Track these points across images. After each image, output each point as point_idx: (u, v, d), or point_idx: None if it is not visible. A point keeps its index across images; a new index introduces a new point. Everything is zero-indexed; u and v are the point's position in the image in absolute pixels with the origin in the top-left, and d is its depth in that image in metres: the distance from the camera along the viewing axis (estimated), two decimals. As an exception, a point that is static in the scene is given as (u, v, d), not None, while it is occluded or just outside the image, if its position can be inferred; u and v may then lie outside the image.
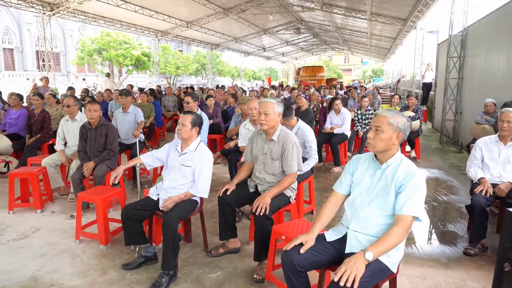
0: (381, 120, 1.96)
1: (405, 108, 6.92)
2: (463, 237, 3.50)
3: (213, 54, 29.17)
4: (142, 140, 5.46)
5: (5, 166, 5.70)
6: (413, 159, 6.79)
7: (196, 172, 2.85)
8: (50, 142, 6.14)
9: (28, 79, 18.67)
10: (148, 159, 3.04)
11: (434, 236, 3.58)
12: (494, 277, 2.29)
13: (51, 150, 6.58)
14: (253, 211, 2.70)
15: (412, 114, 6.62)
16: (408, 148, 6.96)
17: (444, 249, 3.26)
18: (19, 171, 4.10)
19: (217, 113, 6.89)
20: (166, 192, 2.87)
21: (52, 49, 12.68)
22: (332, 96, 8.04)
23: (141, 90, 10.55)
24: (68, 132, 4.61)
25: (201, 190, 2.84)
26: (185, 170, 2.86)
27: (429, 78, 12.90)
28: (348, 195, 2.19)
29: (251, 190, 3.05)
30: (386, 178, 1.99)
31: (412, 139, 6.62)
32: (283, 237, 2.47)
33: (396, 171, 1.97)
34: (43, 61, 12.33)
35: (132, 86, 10.52)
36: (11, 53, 36.08)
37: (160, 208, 2.81)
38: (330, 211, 2.17)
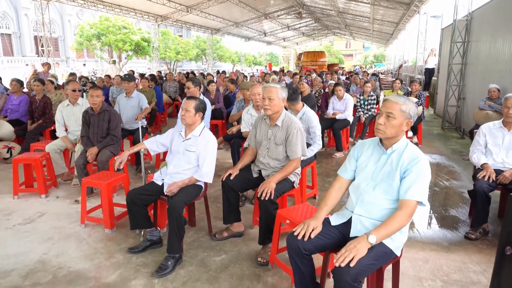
0: (393, 106, 1.95)
1: (408, 94, 6.88)
2: (465, 222, 3.54)
3: (213, 39, 28.84)
4: (144, 126, 5.44)
5: (7, 152, 5.71)
6: (415, 145, 6.78)
7: (200, 157, 2.86)
8: (52, 127, 6.14)
9: (27, 64, 18.50)
10: (152, 145, 3.05)
11: (435, 220, 3.61)
12: (496, 260, 2.31)
13: (53, 136, 6.59)
14: (258, 195, 2.72)
15: (415, 100, 6.59)
16: (410, 133, 6.95)
17: (446, 233, 3.29)
18: (22, 156, 4.11)
19: (219, 99, 6.86)
20: (170, 177, 2.88)
21: (51, 34, 12.53)
22: (334, 82, 7.99)
23: (142, 75, 10.51)
24: (69, 117, 4.61)
25: (206, 175, 2.85)
26: (189, 155, 2.87)
27: (431, 63, 12.80)
28: (353, 180, 2.20)
29: (255, 175, 3.07)
30: (391, 163, 2.00)
31: (414, 125, 6.61)
32: (288, 221, 2.49)
33: (401, 156, 1.98)
34: (42, 46, 12.21)
35: (133, 72, 10.43)
36: (9, 39, 35.71)
37: (165, 193, 2.82)
38: (334, 196, 2.19)
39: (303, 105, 4.17)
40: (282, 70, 26.87)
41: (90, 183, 3.31)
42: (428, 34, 14.92)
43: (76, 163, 3.92)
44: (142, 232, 3.01)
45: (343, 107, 6.33)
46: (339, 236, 2.06)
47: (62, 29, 39.83)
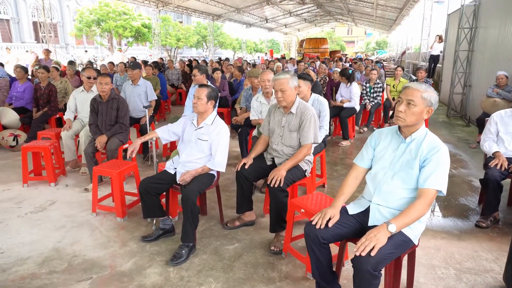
0: (414, 93, 1.93)
1: (414, 81, 6.82)
2: (474, 210, 3.54)
3: (214, 26, 28.49)
4: (151, 114, 5.42)
5: (13, 140, 5.70)
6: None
7: (213, 146, 2.85)
8: (58, 115, 6.13)
9: (27, 51, 18.35)
10: (164, 133, 3.03)
11: (445, 209, 3.62)
12: (510, 248, 2.34)
13: (59, 124, 6.58)
14: (268, 183, 2.72)
15: (422, 87, 6.54)
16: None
17: (456, 222, 3.30)
18: (31, 144, 4.10)
19: (224, 86, 6.81)
20: (183, 166, 2.88)
21: (51, 20, 12.37)
22: (339, 69, 7.91)
23: (145, 63, 10.40)
24: (83, 103, 4.60)
25: (219, 164, 2.85)
26: (202, 144, 2.86)
27: (437, 50, 12.65)
28: (369, 168, 2.19)
29: (268, 163, 3.06)
30: (410, 152, 1.99)
31: (420, 112, 6.57)
32: (302, 210, 2.50)
33: (420, 145, 1.96)
34: (43, 32, 12.07)
35: (135, 58, 10.33)
36: (7, 24, 35.28)
37: (178, 182, 2.82)
38: (351, 184, 2.18)
39: (311, 93, 4.13)
40: (283, 57, 26.67)
41: (102, 171, 3.31)
42: (432, 20, 14.75)
43: (85, 152, 3.91)
44: (155, 221, 3.03)
45: (348, 94, 6.29)
46: (357, 225, 2.06)
47: (61, 15, 39.30)
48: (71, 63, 8.21)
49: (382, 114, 7.31)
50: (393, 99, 7.08)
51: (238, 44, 40.65)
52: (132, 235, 2.99)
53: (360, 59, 13.81)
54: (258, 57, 38.96)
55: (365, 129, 6.96)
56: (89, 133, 4.20)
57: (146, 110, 4.75)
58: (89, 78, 4.58)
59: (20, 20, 35.93)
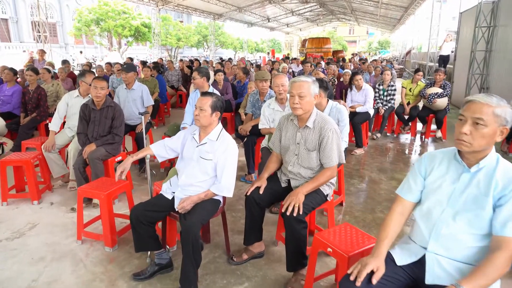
0: (483, 110, 1.45)
1: (431, 84, 6.34)
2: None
3: (215, 25, 28.01)
4: (148, 120, 4.96)
5: (-1, 148, 5.25)
6: (439, 140, 6.31)
7: (218, 167, 2.38)
8: (47, 121, 5.66)
9: (24, 51, 17.88)
10: (159, 150, 2.57)
11: None
12: None
13: (49, 130, 6.12)
14: (283, 210, 2.25)
15: (440, 90, 6.07)
16: (433, 127, 6.45)
17: None
18: (11, 157, 3.63)
19: (227, 89, 6.35)
20: (182, 190, 2.41)
21: (46, 18, 11.91)
22: (349, 70, 7.45)
23: (143, 63, 9.93)
24: (75, 110, 4.07)
25: (225, 188, 2.38)
26: (205, 164, 2.39)
27: (447, 50, 12.18)
28: (418, 202, 1.73)
29: (283, 185, 2.60)
30: (478, 185, 1.52)
31: (440, 118, 6.10)
32: (329, 249, 2.03)
33: (492, 176, 1.49)
34: (38, 32, 11.60)
35: (132, 59, 9.84)
36: (5, 24, 34.85)
37: (176, 209, 2.36)
38: (396, 223, 1.71)
39: (328, 100, 3.67)
40: (287, 57, 26.19)
41: (87, 193, 2.84)
42: (439, 19, 14.27)
43: (74, 166, 3.44)
44: (149, 253, 2.56)
45: (362, 98, 5.82)
46: (408, 281, 1.59)
47: (60, 14, 38.87)
48: (65, 62, 7.73)
49: (396, 118, 6.84)
50: (408, 103, 6.60)
51: (239, 43, 40.18)
52: (122, 271, 2.52)
53: (366, 59, 13.33)
54: (260, 57, 38.48)
55: (378, 135, 6.49)
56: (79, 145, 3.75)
57: (142, 117, 4.31)
58: (90, 84, 4.07)
59: (19, 20, 35.51)
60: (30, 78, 5.39)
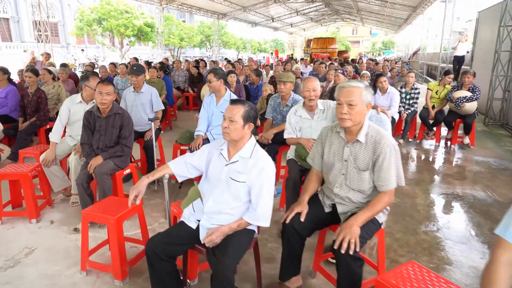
0: None
1: (459, 86, 5.92)
2: None
3: (219, 25, 27.58)
4: (158, 126, 4.54)
5: (-5, 155, 4.84)
6: (466, 146, 5.89)
7: (253, 191, 1.96)
8: (48, 126, 5.26)
9: (25, 50, 17.48)
10: (180, 169, 2.15)
11: None
12: None
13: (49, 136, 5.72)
14: (336, 247, 1.84)
15: (469, 94, 5.64)
16: (460, 132, 6.03)
17: None
18: (7, 170, 3.22)
19: (241, 92, 5.93)
20: (209, 218, 2.00)
21: (48, 17, 11.50)
22: (367, 72, 7.03)
23: (148, 64, 9.53)
24: (78, 117, 3.66)
25: (262, 216, 1.96)
26: (237, 187, 1.97)
27: (462, 50, 11.75)
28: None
29: (327, 210, 2.18)
30: None
31: (469, 123, 5.68)
32: (401, 300, 1.61)
33: None
34: (39, 31, 11.20)
35: (137, 59, 9.42)
36: (6, 23, 34.49)
37: (202, 242, 1.95)
38: (506, 279, 1.30)
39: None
40: (291, 57, 25.76)
41: (93, 217, 2.42)
42: (448, 19, 13.83)
43: (77, 181, 3.03)
44: (168, 291, 2.15)
45: (387, 102, 5.40)
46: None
47: (61, 14, 38.52)
48: (64, 65, 7.32)
49: (418, 123, 6.41)
50: (433, 107, 6.17)
51: (242, 43, 39.76)
52: (136, 313, 2.11)
53: (374, 59, 12.91)
54: (263, 57, 38.05)
55: (401, 141, 6.07)
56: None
57: (152, 123, 3.92)
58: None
59: (20, 19, 35.17)
60: (30, 80, 4.99)
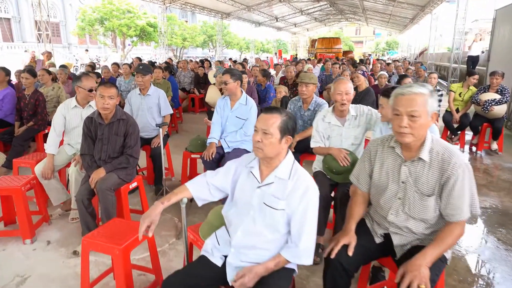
0: None
1: (485, 88, 5.52)
2: None
3: (222, 25, 27.21)
4: (165, 133, 4.16)
5: (-11, 163, 4.47)
6: (494, 152, 5.50)
7: (295, 220, 1.58)
8: (46, 131, 4.89)
9: (26, 51, 17.13)
10: (200, 191, 1.77)
11: None
12: None
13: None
14: None
15: (497, 96, 5.25)
16: (487, 137, 5.63)
17: None
18: (-3, 183, 2.85)
19: (253, 94, 5.55)
20: (238, 253, 1.62)
21: (48, 16, 11.14)
22: (384, 73, 6.64)
23: (152, 64, 9.15)
24: (74, 123, 3.28)
25: (305, 253, 1.58)
26: (273, 216, 1.60)
27: (476, 50, 11.34)
28: None
29: (378, 240, 1.80)
30: None
31: (497, 127, 5.28)
32: None
33: None
34: (39, 30, 10.83)
35: (140, 59, 9.01)
36: (8, 23, 34.22)
37: (230, 284, 1.57)
38: None
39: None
40: (295, 58, 25.38)
41: (96, 246, 2.03)
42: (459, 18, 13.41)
43: (77, 197, 2.65)
44: None
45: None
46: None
47: (63, 14, 38.25)
48: (64, 66, 6.96)
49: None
50: (457, 110, 5.78)
51: (245, 44, 39.38)
52: None
53: (384, 61, 12.52)
54: (267, 57, 37.68)
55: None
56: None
57: (160, 129, 3.54)
58: (90, 90, 3.26)
59: (22, 19, 34.93)
60: (27, 82, 4.62)
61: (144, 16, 24.62)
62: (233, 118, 3.54)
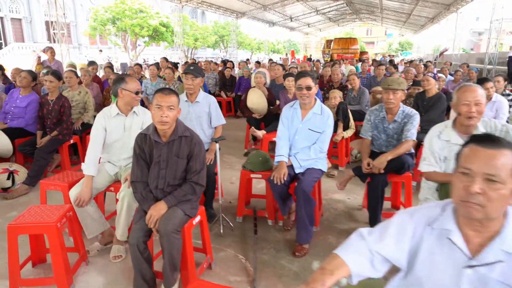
0: None
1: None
2: None
3: (234, 25, 26.63)
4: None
5: (8, 178, 3.88)
6: None
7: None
8: (72, 141, 4.31)
9: (34, 50, 16.62)
10: (361, 264, 1.13)
11: None
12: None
13: (74, 152, 4.76)
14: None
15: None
16: None
17: None
18: (26, 218, 2.22)
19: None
20: None
21: (64, 14, 10.63)
22: (443, 75, 5.95)
23: (175, 65, 8.56)
24: (120, 137, 2.70)
25: None
26: None
27: (518, 50, 10.60)
28: None
29: None
30: None
31: None
32: None
33: None
34: (54, 28, 10.29)
35: (166, 60, 8.33)
36: (19, 24, 34.02)
37: None
38: None
39: None
40: (309, 59, 24.71)
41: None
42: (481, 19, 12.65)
43: (131, 241, 2.01)
44: None
45: (491, 113, 4.32)
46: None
47: (74, 14, 38.04)
48: (92, 64, 6.36)
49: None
50: (532, 117, 5.08)
51: (257, 44, 38.75)
52: None
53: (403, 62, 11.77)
54: (280, 58, 37.01)
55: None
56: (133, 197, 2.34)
57: (217, 144, 2.93)
58: (137, 93, 2.67)
59: (33, 20, 34.76)
60: (51, 85, 4.03)
61: (157, 16, 24.11)
62: (305, 130, 2.90)
